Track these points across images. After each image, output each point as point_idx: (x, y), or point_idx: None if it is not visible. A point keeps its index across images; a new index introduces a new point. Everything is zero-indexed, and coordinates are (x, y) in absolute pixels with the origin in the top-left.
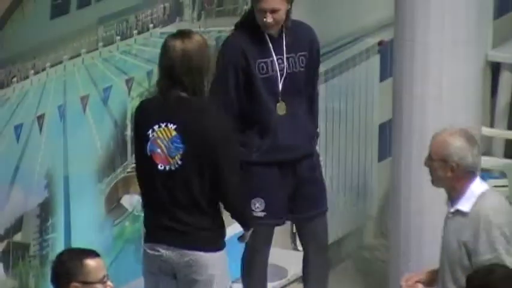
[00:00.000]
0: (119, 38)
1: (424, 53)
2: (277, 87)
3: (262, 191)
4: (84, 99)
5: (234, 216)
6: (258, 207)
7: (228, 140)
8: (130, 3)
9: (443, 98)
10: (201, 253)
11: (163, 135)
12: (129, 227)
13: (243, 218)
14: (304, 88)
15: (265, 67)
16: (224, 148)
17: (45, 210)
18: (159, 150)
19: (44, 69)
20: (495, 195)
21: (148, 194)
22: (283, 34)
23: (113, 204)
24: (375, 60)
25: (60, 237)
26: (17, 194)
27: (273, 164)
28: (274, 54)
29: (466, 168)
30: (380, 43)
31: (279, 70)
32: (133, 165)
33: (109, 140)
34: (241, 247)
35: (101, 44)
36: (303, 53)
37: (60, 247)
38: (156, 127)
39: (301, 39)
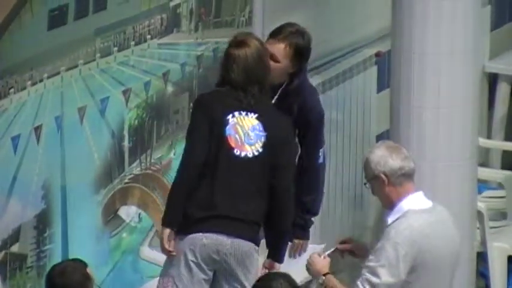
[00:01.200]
0: (116, 49)
1: (421, 63)
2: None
3: None
4: (81, 110)
5: (277, 228)
6: None
7: (291, 142)
8: (128, 14)
9: (440, 109)
10: (256, 247)
11: (244, 123)
12: (126, 239)
13: (287, 231)
14: None
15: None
16: (289, 148)
17: (42, 221)
18: (236, 136)
19: (41, 80)
20: (418, 219)
21: (218, 178)
22: (278, 92)
23: (110, 215)
24: (372, 71)
25: (58, 249)
26: (14, 205)
27: None
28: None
29: (394, 174)
30: (377, 54)
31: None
32: (130, 176)
33: (106, 151)
34: None
35: (98, 55)
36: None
37: (57, 258)
38: (236, 113)
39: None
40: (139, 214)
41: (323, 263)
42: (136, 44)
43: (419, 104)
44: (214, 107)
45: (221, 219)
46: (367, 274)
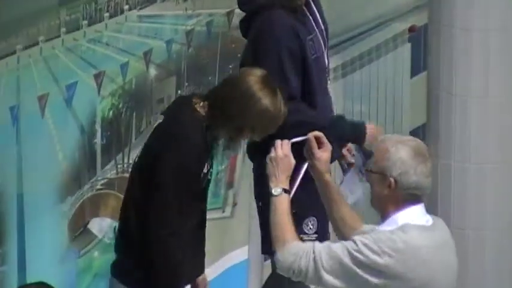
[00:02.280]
0: (85, 22)
1: (465, 41)
2: (325, 66)
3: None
4: (42, 99)
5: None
6: (310, 228)
7: None
8: None
9: (489, 97)
10: None
11: None
12: (98, 259)
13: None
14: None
15: (313, 46)
16: None
17: None
18: None
19: None
20: (418, 237)
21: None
22: (310, 1)
23: (79, 229)
24: (405, 50)
25: (13, 271)
26: None
27: None
28: (316, 29)
29: (406, 188)
30: (411, 29)
31: (323, 45)
32: (104, 181)
33: (74, 150)
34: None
35: (63, 29)
36: (323, 27)
37: (12, 283)
38: None
39: (321, 10)
40: (115, 228)
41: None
42: (111, 17)
43: (463, 91)
44: None
45: None
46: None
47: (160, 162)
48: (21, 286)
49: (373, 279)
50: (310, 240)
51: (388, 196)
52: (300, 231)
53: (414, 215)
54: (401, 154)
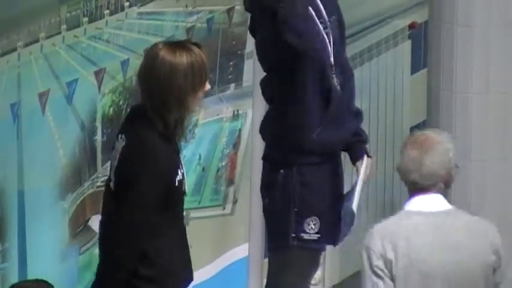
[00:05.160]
0: (86, 19)
1: (466, 37)
2: (330, 57)
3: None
4: (43, 96)
5: None
6: (311, 228)
7: None
8: None
9: (490, 94)
10: None
11: None
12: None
13: None
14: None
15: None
16: None
17: None
18: None
19: None
20: (402, 219)
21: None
22: None
23: (79, 226)
24: (405, 47)
25: (13, 268)
26: None
27: (329, 158)
28: (326, 16)
29: (403, 179)
30: (411, 26)
31: (327, 37)
32: (104, 178)
33: (74, 147)
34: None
35: (64, 26)
36: (334, 17)
37: (13, 280)
38: None
39: (329, 0)
40: None
41: None
42: (111, 14)
43: (463, 88)
44: None
45: None
46: None
47: (138, 184)
48: (19, 282)
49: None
50: (311, 240)
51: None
52: (300, 229)
53: (423, 202)
54: (410, 155)
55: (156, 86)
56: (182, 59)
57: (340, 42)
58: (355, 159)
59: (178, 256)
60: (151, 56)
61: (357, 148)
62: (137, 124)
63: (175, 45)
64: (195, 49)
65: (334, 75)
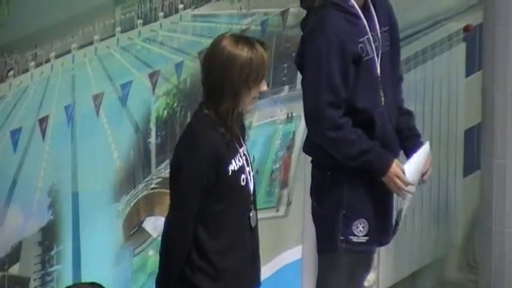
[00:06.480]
0: (140, 21)
1: None
2: (377, 71)
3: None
4: (97, 98)
5: None
6: (360, 230)
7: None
8: None
9: None
10: None
11: None
12: (153, 257)
13: None
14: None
15: (364, 48)
16: None
17: (48, 236)
18: None
19: (47, 61)
20: None
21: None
22: (370, 4)
23: (133, 228)
24: (460, 49)
25: (68, 270)
26: (14, 216)
27: None
28: (369, 31)
29: None
30: (466, 28)
31: (375, 50)
32: (158, 180)
33: (128, 149)
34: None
35: (118, 29)
36: (385, 28)
37: (67, 282)
38: None
39: (383, 11)
40: None
41: None
42: (165, 16)
43: None
44: None
45: None
46: None
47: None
48: (74, 284)
49: None
50: (360, 242)
51: None
52: (349, 232)
53: None
54: None
55: (212, 72)
56: (242, 52)
57: (392, 50)
58: (412, 151)
59: (236, 254)
60: (215, 42)
61: (413, 140)
62: (192, 119)
63: (240, 38)
64: (259, 47)
65: (380, 88)
